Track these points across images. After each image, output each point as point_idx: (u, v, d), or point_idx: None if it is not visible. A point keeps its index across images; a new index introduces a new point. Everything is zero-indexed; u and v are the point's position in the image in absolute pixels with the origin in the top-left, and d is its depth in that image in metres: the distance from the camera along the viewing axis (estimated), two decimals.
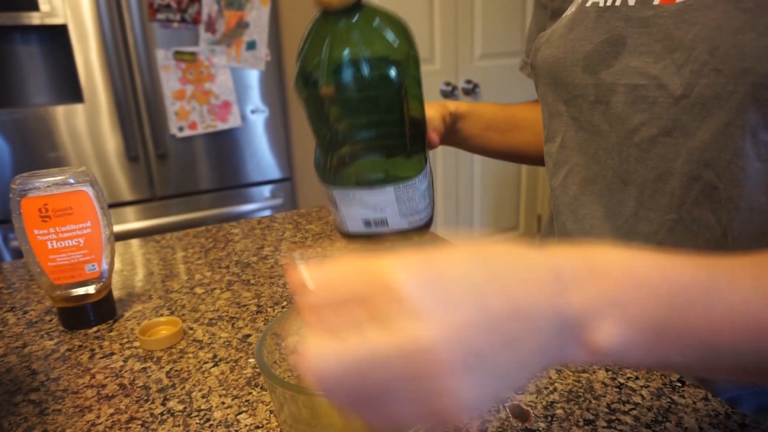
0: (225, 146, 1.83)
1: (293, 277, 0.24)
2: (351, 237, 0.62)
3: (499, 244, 0.25)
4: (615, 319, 0.24)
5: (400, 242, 0.69)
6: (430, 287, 0.21)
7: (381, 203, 0.56)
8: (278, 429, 0.40)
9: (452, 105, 0.66)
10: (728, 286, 0.26)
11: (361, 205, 0.57)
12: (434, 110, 0.62)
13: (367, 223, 0.59)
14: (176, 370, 0.48)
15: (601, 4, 0.48)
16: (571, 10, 0.53)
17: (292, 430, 0.35)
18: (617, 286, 0.24)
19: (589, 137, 0.51)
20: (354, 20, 0.49)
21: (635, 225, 0.49)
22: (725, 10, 0.39)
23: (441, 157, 2.04)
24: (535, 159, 0.76)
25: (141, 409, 0.43)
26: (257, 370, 0.48)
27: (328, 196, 0.58)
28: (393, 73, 0.50)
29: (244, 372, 0.48)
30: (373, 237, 0.61)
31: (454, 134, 0.68)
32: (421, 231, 0.61)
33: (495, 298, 0.22)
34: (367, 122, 0.52)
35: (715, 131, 0.40)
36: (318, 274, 0.23)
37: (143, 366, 0.49)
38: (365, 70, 0.49)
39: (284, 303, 0.60)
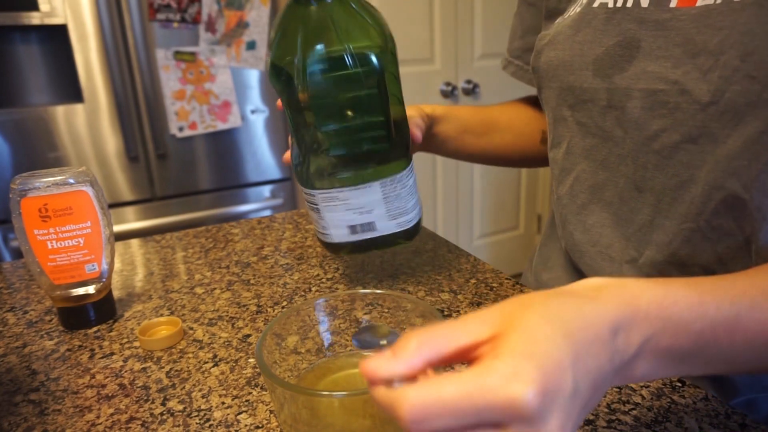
0: (225, 146, 1.83)
1: (385, 394, 0.24)
2: (336, 248, 0.58)
3: (561, 300, 0.27)
4: (649, 354, 0.28)
5: (388, 250, 0.65)
6: (546, 396, 0.22)
7: (368, 203, 0.53)
8: (278, 429, 0.40)
9: (428, 108, 0.65)
10: (748, 314, 0.30)
11: (346, 208, 0.53)
12: (412, 110, 0.62)
13: (353, 229, 0.55)
14: (176, 370, 0.48)
15: (611, 5, 0.46)
16: (575, 10, 0.51)
17: (292, 430, 0.35)
18: (653, 326, 0.28)
19: (598, 143, 0.50)
20: (328, 2, 0.47)
21: (649, 233, 0.48)
22: (757, 14, 0.37)
23: (441, 157, 2.04)
24: (514, 161, 0.75)
25: (141, 409, 0.43)
26: (257, 370, 0.48)
27: (308, 202, 0.55)
28: (371, 61, 0.48)
29: (244, 372, 0.48)
30: (360, 246, 0.57)
31: (430, 138, 0.67)
32: (409, 236, 0.57)
33: (586, 387, 0.25)
34: (348, 118, 0.50)
35: (747, 139, 0.39)
36: (424, 397, 0.23)
37: (143, 366, 0.49)
38: (342, 62, 0.47)
39: (284, 303, 0.60)
